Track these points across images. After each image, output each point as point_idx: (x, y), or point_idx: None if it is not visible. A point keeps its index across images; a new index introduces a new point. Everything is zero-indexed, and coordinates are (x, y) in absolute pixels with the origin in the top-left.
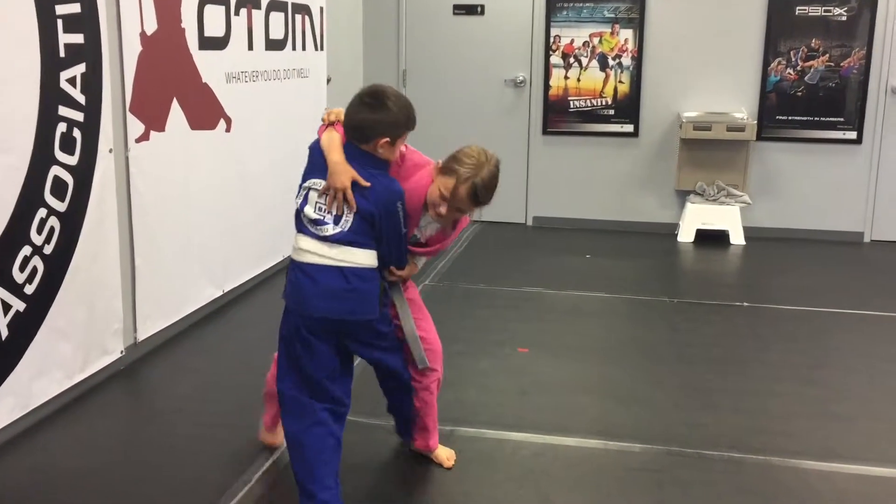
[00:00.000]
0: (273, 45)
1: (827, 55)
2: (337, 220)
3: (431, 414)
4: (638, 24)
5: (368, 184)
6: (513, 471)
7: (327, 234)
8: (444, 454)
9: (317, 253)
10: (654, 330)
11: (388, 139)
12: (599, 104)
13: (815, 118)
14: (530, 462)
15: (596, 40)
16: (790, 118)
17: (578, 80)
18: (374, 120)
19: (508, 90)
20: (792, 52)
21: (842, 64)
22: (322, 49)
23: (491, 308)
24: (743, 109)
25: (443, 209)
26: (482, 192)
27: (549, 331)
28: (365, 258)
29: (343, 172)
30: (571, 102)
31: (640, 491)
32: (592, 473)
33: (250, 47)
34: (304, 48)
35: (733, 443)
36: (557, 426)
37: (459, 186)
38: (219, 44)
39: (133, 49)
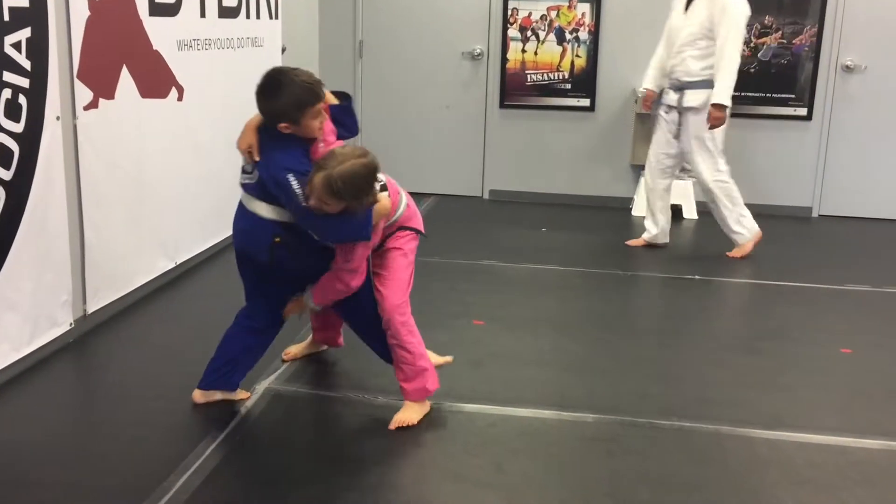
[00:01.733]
0: (226, 12)
1: (779, 32)
2: (250, 175)
3: (398, 360)
4: None
5: (257, 158)
6: (467, 441)
7: (244, 181)
8: (405, 415)
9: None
10: (607, 302)
11: (287, 123)
12: (556, 78)
13: (768, 94)
14: (485, 432)
15: (553, 14)
16: (743, 94)
17: (536, 53)
18: (268, 109)
19: (466, 63)
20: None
21: (794, 41)
22: (277, 18)
23: (447, 281)
24: None
25: (312, 200)
26: (337, 185)
27: (504, 303)
28: (262, 210)
29: (242, 137)
30: (529, 76)
31: (593, 460)
32: (546, 443)
33: (203, 14)
34: (258, 16)
35: (683, 412)
36: (512, 397)
37: (315, 176)
38: (170, 10)
39: (80, 14)
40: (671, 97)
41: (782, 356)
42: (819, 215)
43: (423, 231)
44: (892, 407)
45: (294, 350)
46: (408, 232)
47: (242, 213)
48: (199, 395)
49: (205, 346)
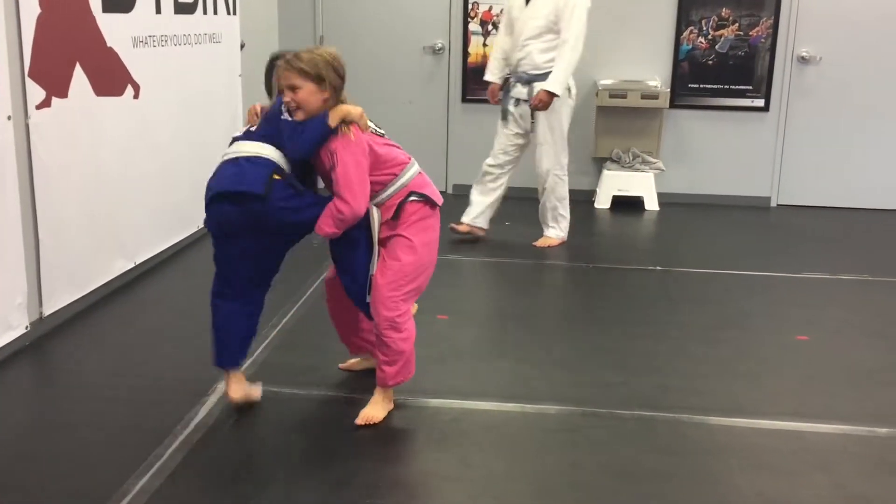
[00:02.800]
0: (182, 8)
1: (736, 24)
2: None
3: (379, 352)
4: None
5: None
6: (432, 436)
7: (244, 132)
8: (371, 411)
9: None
10: (570, 294)
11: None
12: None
13: (726, 86)
14: (449, 427)
15: None
16: (702, 86)
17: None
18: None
19: (427, 57)
20: (703, 22)
21: (750, 33)
22: (235, 13)
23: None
24: (657, 77)
25: (286, 97)
26: (291, 58)
27: (468, 298)
28: (265, 150)
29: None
30: None
31: (556, 451)
32: (510, 436)
33: (158, 10)
34: (215, 12)
35: (645, 402)
36: (476, 391)
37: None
38: (124, 6)
39: (31, 11)
40: (519, 90)
41: (741, 344)
42: (777, 205)
43: (437, 201)
44: (847, 392)
45: (350, 363)
46: (421, 208)
47: (232, 163)
48: (236, 389)
49: (165, 346)
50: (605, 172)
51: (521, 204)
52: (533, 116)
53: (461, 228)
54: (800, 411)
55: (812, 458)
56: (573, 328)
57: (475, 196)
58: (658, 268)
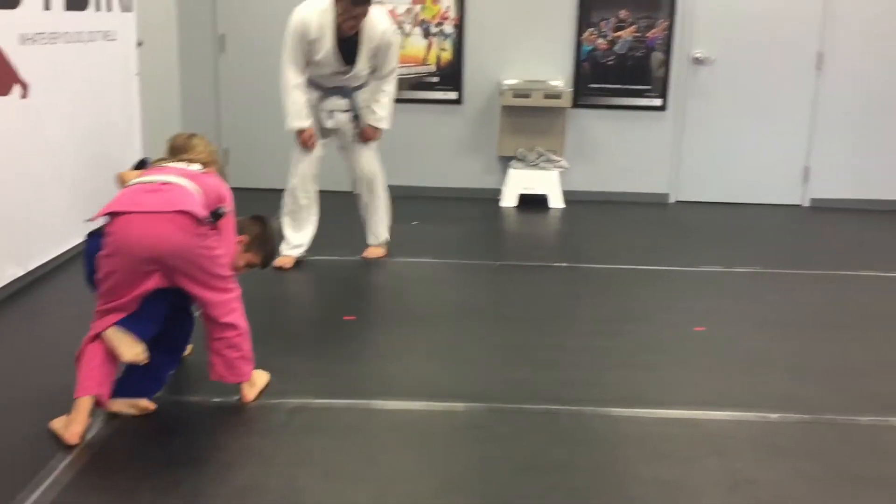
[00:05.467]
0: (74, 4)
1: (634, 26)
2: None
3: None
4: None
5: None
6: (339, 436)
7: None
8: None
9: None
10: (478, 292)
11: None
12: (424, 72)
13: (625, 86)
14: (357, 427)
15: (418, 7)
16: (603, 86)
17: (402, 47)
18: None
19: None
20: (603, 23)
21: (648, 35)
22: (130, 10)
23: (318, 279)
24: (560, 77)
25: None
26: None
27: (376, 298)
28: None
29: None
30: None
31: (463, 447)
32: (417, 434)
33: (47, 6)
34: (109, 8)
35: (550, 396)
36: (383, 390)
37: None
38: (9, 2)
39: None
40: (336, 102)
41: (642, 337)
42: (676, 201)
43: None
44: (740, 379)
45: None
46: None
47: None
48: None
49: (60, 357)
50: (511, 171)
51: (428, 203)
52: (355, 127)
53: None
54: (696, 400)
55: (707, 444)
56: (481, 326)
57: (304, 226)
58: (563, 264)
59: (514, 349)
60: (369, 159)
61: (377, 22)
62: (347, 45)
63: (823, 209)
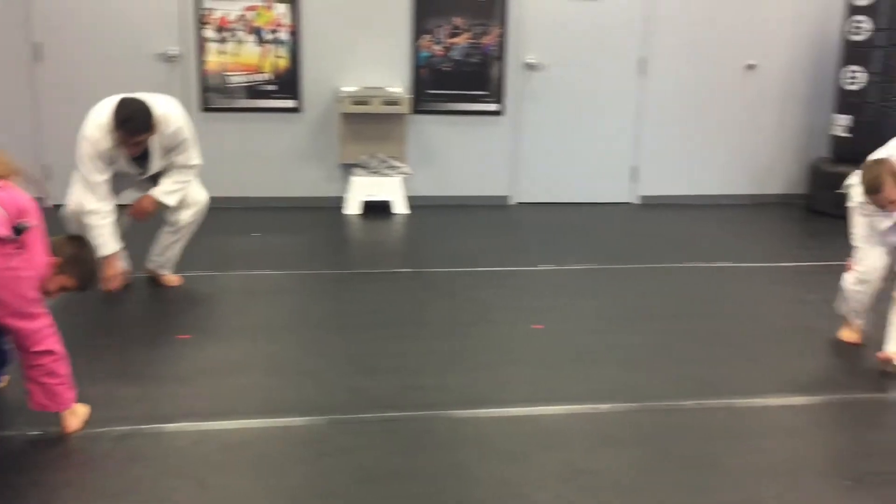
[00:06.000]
0: None
1: (469, 33)
2: None
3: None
4: None
5: None
6: (169, 463)
7: None
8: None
9: None
10: (320, 302)
11: None
12: (260, 80)
13: (463, 92)
14: (187, 451)
15: (251, 14)
16: (441, 92)
17: (236, 55)
18: None
19: (160, 65)
20: (438, 30)
21: (482, 41)
22: None
23: (149, 296)
24: (398, 84)
25: None
26: None
27: (213, 315)
28: None
29: None
30: (230, 78)
31: (302, 463)
32: (253, 453)
33: None
34: None
35: (391, 403)
36: (219, 410)
37: None
38: None
39: None
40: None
41: (482, 337)
42: (516, 203)
43: None
44: (574, 373)
45: None
46: None
47: None
48: None
49: None
50: (353, 179)
51: (270, 214)
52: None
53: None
54: (533, 396)
55: (544, 440)
56: (323, 335)
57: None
58: (407, 270)
59: (356, 358)
60: (196, 185)
61: (168, 123)
62: (141, 154)
63: (652, 206)
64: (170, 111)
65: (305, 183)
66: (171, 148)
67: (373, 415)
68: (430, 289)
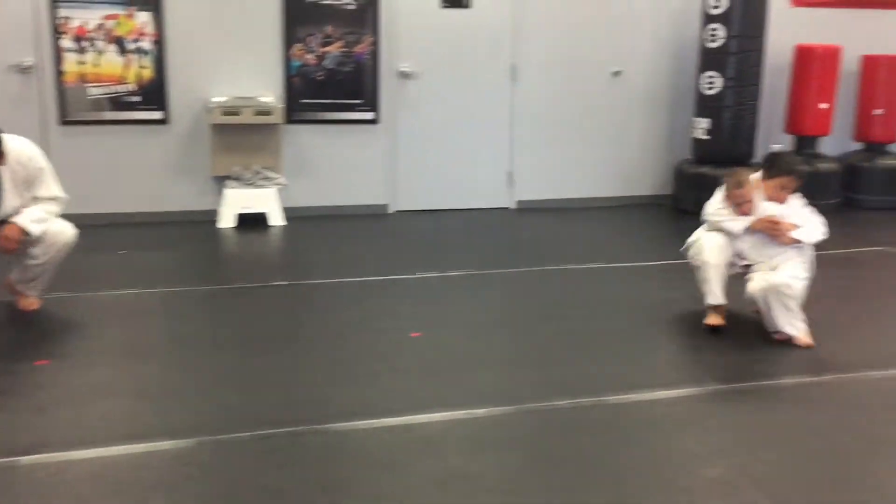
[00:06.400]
0: None
1: (341, 41)
2: None
3: None
4: (155, 6)
5: None
6: (19, 500)
7: None
8: None
9: None
10: (192, 320)
11: None
12: (123, 91)
13: (337, 101)
14: (46, 484)
15: (111, 23)
16: (315, 101)
17: (96, 65)
18: None
19: (14, 76)
20: (310, 38)
21: (355, 49)
22: None
23: (6, 320)
24: (270, 93)
25: None
26: None
27: (75, 337)
28: None
29: None
30: (91, 89)
31: (168, 488)
32: (117, 482)
33: None
34: None
35: (265, 420)
36: (79, 439)
37: None
38: None
39: None
40: None
41: (360, 348)
42: (395, 211)
43: None
44: (452, 380)
45: None
46: None
47: None
48: None
49: None
50: (227, 191)
51: (139, 230)
52: None
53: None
54: (411, 405)
55: (421, 447)
56: (195, 355)
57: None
58: (284, 282)
59: (229, 376)
60: (62, 223)
61: (19, 153)
62: None
63: (528, 210)
64: (22, 143)
65: (176, 197)
66: (28, 181)
67: (245, 433)
68: (307, 301)
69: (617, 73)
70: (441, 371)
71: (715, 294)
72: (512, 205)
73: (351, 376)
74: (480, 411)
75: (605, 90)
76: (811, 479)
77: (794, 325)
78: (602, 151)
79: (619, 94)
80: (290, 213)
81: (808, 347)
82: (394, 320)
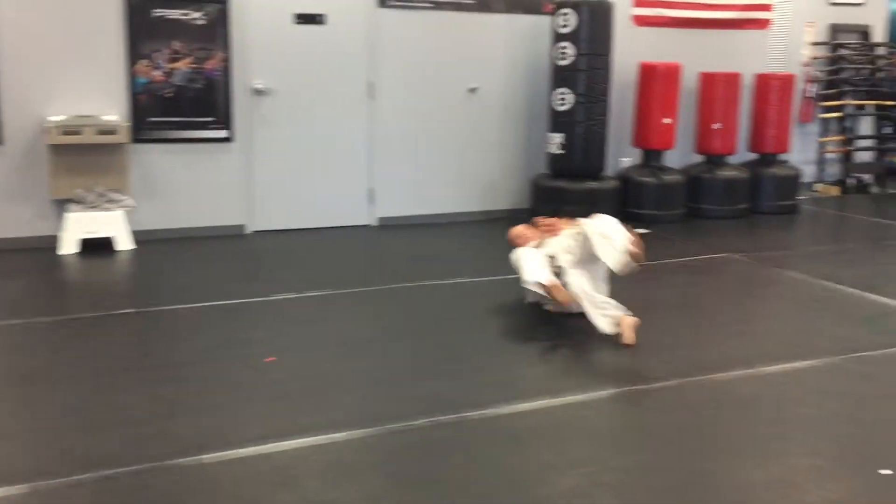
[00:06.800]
0: None
1: (191, 57)
2: None
3: None
4: None
5: None
6: None
7: None
8: None
9: None
10: (30, 355)
11: None
12: None
13: (189, 119)
14: None
15: None
16: (164, 119)
17: None
18: None
19: None
20: (156, 54)
21: (205, 66)
22: None
23: None
24: (114, 112)
25: None
26: None
27: None
28: None
29: None
30: None
31: None
32: None
33: None
34: None
35: (108, 460)
36: None
37: None
38: None
39: None
40: None
41: (211, 377)
42: (253, 231)
43: None
44: (309, 404)
45: None
46: None
47: None
48: None
49: None
50: (69, 215)
51: None
52: None
53: None
54: (266, 434)
55: (276, 478)
56: (31, 393)
57: None
58: (131, 310)
59: (70, 414)
60: None
61: None
62: None
63: (390, 227)
64: None
65: (11, 222)
66: None
67: (85, 475)
68: (157, 329)
69: (473, 90)
70: (297, 396)
71: (543, 274)
72: (373, 222)
73: (201, 407)
74: (339, 435)
75: (462, 106)
76: (663, 484)
77: (607, 315)
78: (462, 166)
79: (476, 110)
80: (140, 237)
81: (629, 342)
82: (248, 345)
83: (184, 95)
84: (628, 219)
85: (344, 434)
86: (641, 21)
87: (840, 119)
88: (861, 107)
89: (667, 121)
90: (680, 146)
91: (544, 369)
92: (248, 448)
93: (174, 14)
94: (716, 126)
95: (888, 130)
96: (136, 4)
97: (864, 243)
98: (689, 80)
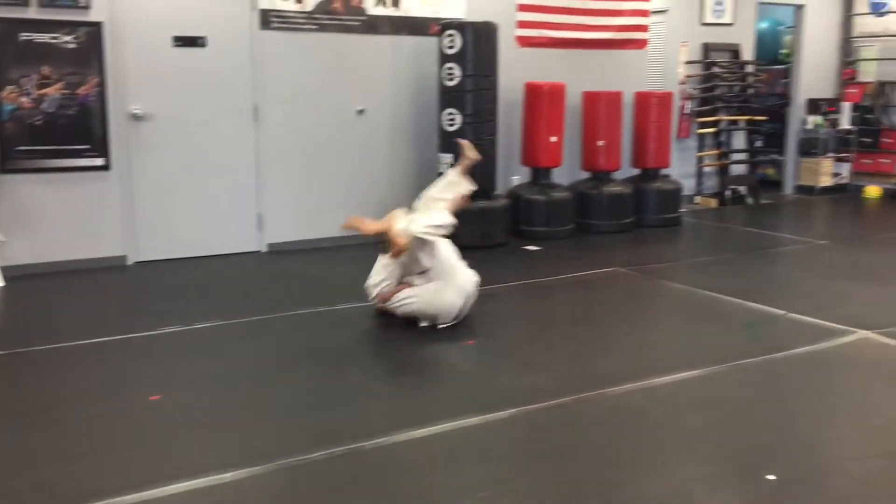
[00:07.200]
0: None
1: (62, 83)
2: None
3: None
4: None
5: None
6: None
7: None
8: None
9: None
10: None
11: None
12: None
13: (61, 146)
14: None
15: None
16: (35, 148)
17: None
18: None
19: None
20: (24, 80)
21: (78, 91)
22: None
23: None
24: None
25: None
26: None
27: None
28: None
29: None
30: None
31: None
32: None
33: None
34: None
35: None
36: None
37: None
38: None
39: None
40: None
41: (89, 420)
42: (135, 262)
43: None
44: (195, 444)
45: None
46: None
47: None
48: None
49: None
50: None
51: None
52: None
53: None
54: (149, 478)
55: None
56: None
57: None
58: (2, 352)
59: None
60: None
61: None
62: None
63: (280, 252)
64: None
65: None
66: None
67: None
68: (30, 371)
69: (361, 112)
70: (183, 436)
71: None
72: (263, 248)
73: (79, 452)
74: (227, 475)
75: (350, 128)
76: (562, 503)
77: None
78: (351, 189)
79: (364, 132)
80: (11, 273)
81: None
82: (129, 384)
83: (55, 122)
84: (521, 236)
85: (232, 474)
86: (525, 42)
87: (715, 134)
88: (734, 122)
89: (553, 139)
90: (567, 163)
91: (439, 393)
92: (129, 495)
93: (43, 38)
94: (600, 143)
95: (759, 144)
96: (1, 29)
97: (741, 253)
98: (573, 99)
